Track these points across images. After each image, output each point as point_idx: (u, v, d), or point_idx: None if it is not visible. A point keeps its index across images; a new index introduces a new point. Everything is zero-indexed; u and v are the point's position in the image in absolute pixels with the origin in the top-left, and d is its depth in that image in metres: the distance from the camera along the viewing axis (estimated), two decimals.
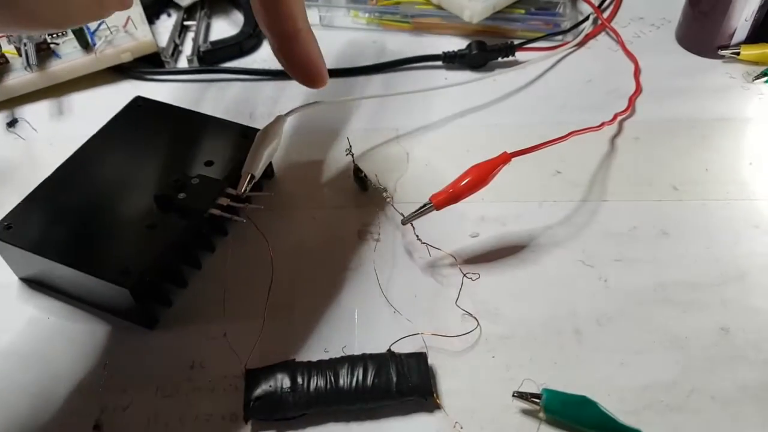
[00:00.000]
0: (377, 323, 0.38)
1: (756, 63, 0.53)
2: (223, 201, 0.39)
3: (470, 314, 0.38)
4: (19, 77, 0.52)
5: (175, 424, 0.35)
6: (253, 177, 0.39)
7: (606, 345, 0.37)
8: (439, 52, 0.55)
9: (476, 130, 0.50)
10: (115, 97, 0.52)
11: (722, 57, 0.54)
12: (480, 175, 0.39)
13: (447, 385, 0.36)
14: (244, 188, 0.38)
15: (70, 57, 0.54)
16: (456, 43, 0.56)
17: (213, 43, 0.57)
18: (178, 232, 0.38)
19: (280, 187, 0.46)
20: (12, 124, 0.52)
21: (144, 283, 0.36)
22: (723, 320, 0.38)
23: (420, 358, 0.35)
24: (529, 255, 0.42)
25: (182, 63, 0.57)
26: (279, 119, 0.41)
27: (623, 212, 0.43)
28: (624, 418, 0.33)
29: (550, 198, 0.45)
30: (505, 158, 0.40)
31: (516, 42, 0.55)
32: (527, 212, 0.44)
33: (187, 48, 0.58)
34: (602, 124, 0.46)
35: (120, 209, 0.39)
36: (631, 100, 0.50)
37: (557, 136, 0.42)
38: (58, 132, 0.51)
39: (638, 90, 0.52)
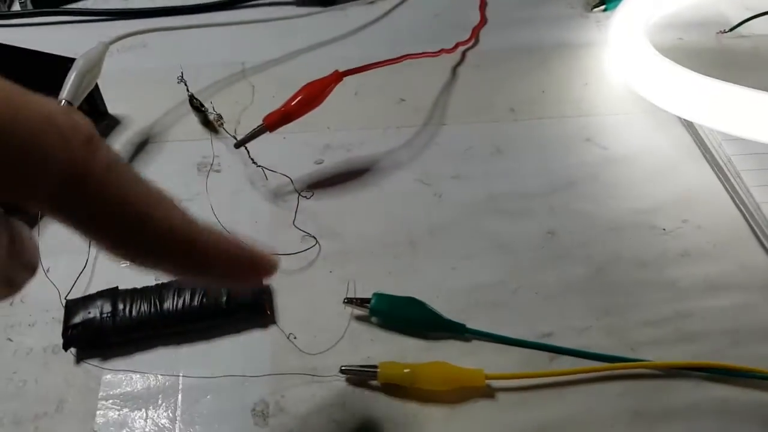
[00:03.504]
0: None
1: None
2: None
3: (309, 234, 0.38)
4: None
5: None
6: (69, 104, 0.37)
7: (438, 253, 0.38)
8: None
9: (324, 64, 0.49)
10: None
11: None
12: (312, 93, 0.39)
13: (284, 301, 0.36)
14: None
15: None
16: None
17: None
18: None
19: (115, 124, 0.44)
20: None
21: None
22: (550, 225, 0.39)
23: None
24: (371, 178, 0.42)
25: (16, 8, 0.54)
26: (99, 45, 0.40)
27: (461, 134, 0.44)
28: (451, 316, 0.34)
29: (394, 124, 0.45)
30: (336, 76, 0.40)
31: None
32: (372, 139, 0.44)
33: None
34: (440, 51, 0.47)
35: None
36: (474, 31, 0.51)
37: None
38: None
39: (482, 21, 0.53)
